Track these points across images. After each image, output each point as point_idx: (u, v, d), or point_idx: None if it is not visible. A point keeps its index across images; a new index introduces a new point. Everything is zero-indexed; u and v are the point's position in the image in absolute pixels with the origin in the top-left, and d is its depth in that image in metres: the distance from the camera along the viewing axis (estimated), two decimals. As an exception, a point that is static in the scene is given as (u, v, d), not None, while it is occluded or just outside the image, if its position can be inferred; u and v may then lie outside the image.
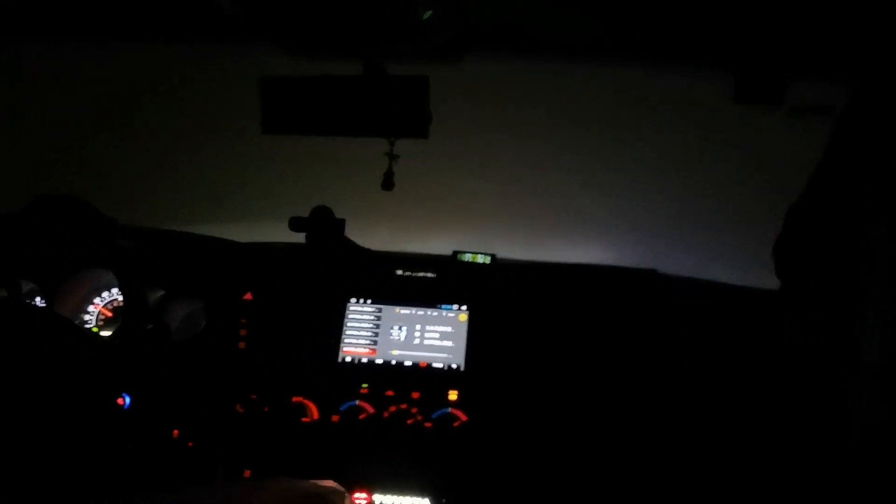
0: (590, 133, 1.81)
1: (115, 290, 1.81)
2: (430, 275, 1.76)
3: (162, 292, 1.73)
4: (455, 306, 1.66)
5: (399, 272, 1.77)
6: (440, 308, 1.66)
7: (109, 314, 1.82)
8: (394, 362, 1.61)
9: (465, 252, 1.81)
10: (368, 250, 1.82)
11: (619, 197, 2.14)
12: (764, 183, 1.69)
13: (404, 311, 1.66)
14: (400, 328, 1.64)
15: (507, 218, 2.26)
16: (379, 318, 1.65)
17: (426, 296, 1.68)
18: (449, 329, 1.63)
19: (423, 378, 1.60)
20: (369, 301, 1.67)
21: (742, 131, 1.65)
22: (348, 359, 1.62)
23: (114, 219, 1.66)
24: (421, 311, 1.65)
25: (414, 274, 1.76)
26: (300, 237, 1.66)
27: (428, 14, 1.28)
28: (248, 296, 1.69)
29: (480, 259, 1.81)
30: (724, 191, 1.89)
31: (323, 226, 1.65)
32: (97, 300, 1.83)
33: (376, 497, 1.51)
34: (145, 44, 1.55)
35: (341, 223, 1.65)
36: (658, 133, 1.77)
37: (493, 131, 1.86)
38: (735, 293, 1.79)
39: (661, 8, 1.21)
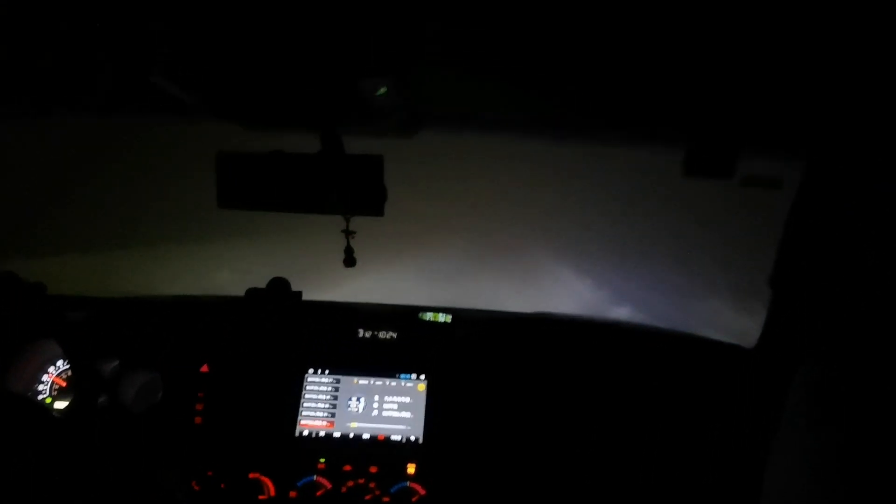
0: (546, 198, 1.84)
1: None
2: (391, 335, 1.76)
3: (116, 363, 1.70)
4: (413, 375, 1.66)
5: (360, 333, 1.76)
6: (399, 378, 1.65)
7: (63, 384, 1.79)
8: (352, 435, 1.60)
9: (426, 311, 1.81)
10: (331, 305, 1.82)
11: (580, 254, 2.17)
12: (712, 244, 1.73)
13: (363, 381, 1.65)
14: (358, 399, 1.63)
15: (469, 274, 2.28)
16: (337, 390, 1.64)
17: (385, 364, 1.68)
18: (407, 399, 1.63)
19: (382, 451, 1.59)
20: (327, 371, 1.66)
21: (691, 199, 1.69)
22: (306, 432, 1.60)
23: (42, 284, 1.63)
24: (379, 382, 1.65)
25: (376, 334, 1.76)
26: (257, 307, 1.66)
27: (382, 91, 1.30)
28: (205, 368, 1.67)
29: (442, 318, 1.81)
30: (676, 250, 1.93)
31: (280, 297, 1.64)
32: (51, 370, 1.80)
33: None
34: (103, 118, 1.54)
35: (298, 295, 1.65)
36: (610, 199, 1.80)
37: (452, 200, 1.88)
38: (693, 343, 1.82)
39: (613, 86, 1.23)
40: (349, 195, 1.40)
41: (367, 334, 1.77)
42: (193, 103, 1.31)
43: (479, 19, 0.94)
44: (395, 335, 1.77)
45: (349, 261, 1.47)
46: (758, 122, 1.37)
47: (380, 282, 2.15)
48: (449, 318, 1.80)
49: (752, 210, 1.66)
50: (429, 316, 1.81)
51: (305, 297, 1.75)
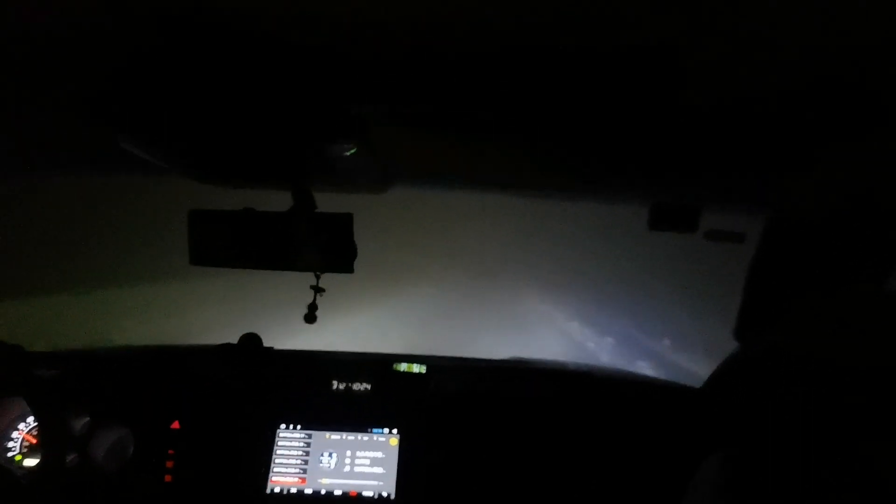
0: (517, 250, 1.86)
1: (37, 418, 1.76)
2: (365, 387, 1.76)
3: (87, 419, 1.69)
4: (386, 430, 1.65)
5: (334, 385, 1.76)
6: (371, 432, 1.65)
7: (34, 441, 1.76)
8: (323, 492, 1.59)
9: (401, 361, 1.81)
10: (305, 355, 1.82)
11: (554, 302, 2.19)
12: (677, 293, 1.75)
13: (335, 436, 1.64)
14: (330, 455, 1.62)
15: (443, 322, 2.29)
16: (309, 445, 1.63)
17: (358, 418, 1.67)
18: (380, 454, 1.62)
19: (354, 508, 1.57)
20: (299, 427, 1.65)
21: (656, 252, 1.71)
22: (277, 489, 1.59)
23: (19, 346, 1.63)
24: (352, 436, 1.64)
25: (349, 386, 1.76)
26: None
27: (352, 150, 1.32)
28: (176, 424, 1.66)
29: (416, 369, 1.81)
30: (646, 299, 1.94)
31: (252, 353, 1.64)
32: (21, 426, 1.78)
33: None
34: (75, 177, 1.56)
35: (269, 350, 1.65)
36: (579, 251, 1.82)
37: (425, 251, 1.89)
38: (662, 389, 1.82)
39: (578, 148, 1.26)
40: (319, 253, 1.41)
41: (341, 386, 1.77)
42: (164, 165, 1.33)
43: (444, 85, 0.97)
44: (368, 387, 1.77)
45: (310, 317, 1.47)
46: (720, 180, 1.40)
47: (355, 331, 2.16)
48: (423, 369, 1.80)
49: (720, 262, 1.68)
50: (403, 367, 1.81)
51: (280, 346, 1.74)
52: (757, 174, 1.23)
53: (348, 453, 1.63)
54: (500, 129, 1.12)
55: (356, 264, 1.45)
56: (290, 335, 1.74)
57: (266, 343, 1.73)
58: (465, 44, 0.82)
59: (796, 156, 1.09)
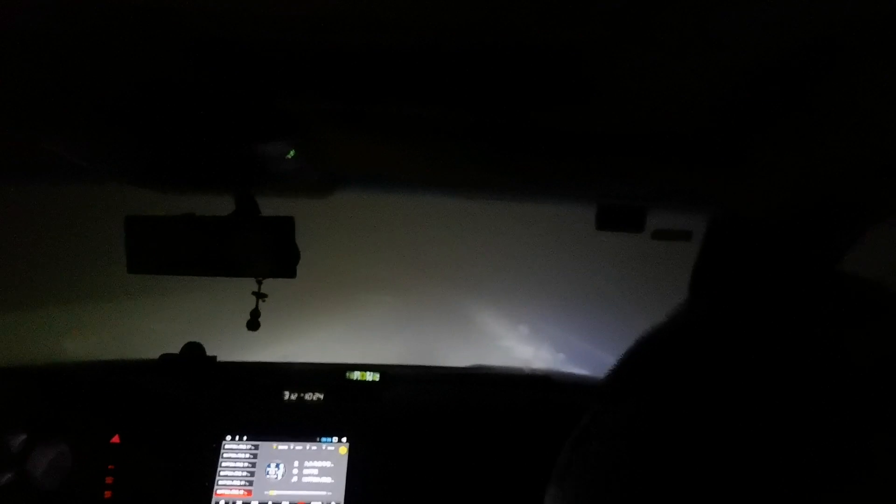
0: (471, 253, 1.85)
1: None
2: (317, 396, 1.73)
3: (24, 437, 1.63)
4: (335, 438, 1.62)
5: (286, 395, 1.73)
6: (320, 441, 1.62)
7: (-33, 460, 1.70)
8: (270, 503, 1.55)
9: (353, 370, 1.79)
10: (255, 366, 1.78)
11: (509, 306, 2.18)
12: (626, 295, 1.76)
13: (282, 446, 1.61)
14: (277, 466, 1.58)
15: (399, 330, 2.26)
16: (255, 456, 1.59)
17: (307, 428, 1.64)
18: (328, 464, 1.59)
19: (301, 520, 1.54)
20: (245, 438, 1.61)
21: (605, 252, 1.71)
22: (222, 502, 1.55)
23: None
24: (300, 446, 1.61)
25: (302, 396, 1.73)
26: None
27: (291, 154, 1.29)
28: (116, 438, 1.61)
29: (370, 377, 1.79)
30: (599, 299, 1.95)
31: (194, 363, 1.60)
32: (-46, 445, 1.71)
33: None
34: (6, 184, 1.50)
35: (213, 360, 1.61)
36: (530, 253, 1.82)
37: (376, 257, 1.88)
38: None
39: (520, 149, 1.25)
40: (260, 258, 1.38)
41: (293, 396, 1.73)
42: (94, 169, 1.29)
43: (374, 83, 0.95)
44: (321, 396, 1.73)
45: (253, 324, 1.44)
46: (662, 179, 1.40)
47: (309, 341, 2.13)
48: (377, 377, 1.78)
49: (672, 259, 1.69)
50: (356, 375, 1.78)
51: (229, 359, 1.71)
52: (696, 172, 1.23)
53: (296, 463, 1.59)
54: (438, 128, 1.11)
55: (307, 272, 1.43)
56: (242, 348, 1.70)
57: (219, 354, 1.70)
58: (393, 39, 0.80)
59: (731, 153, 1.09)
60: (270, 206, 1.38)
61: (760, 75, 0.81)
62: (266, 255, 1.37)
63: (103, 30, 0.82)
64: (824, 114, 0.88)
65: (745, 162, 1.10)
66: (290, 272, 1.38)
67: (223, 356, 1.66)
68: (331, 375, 1.77)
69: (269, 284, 1.45)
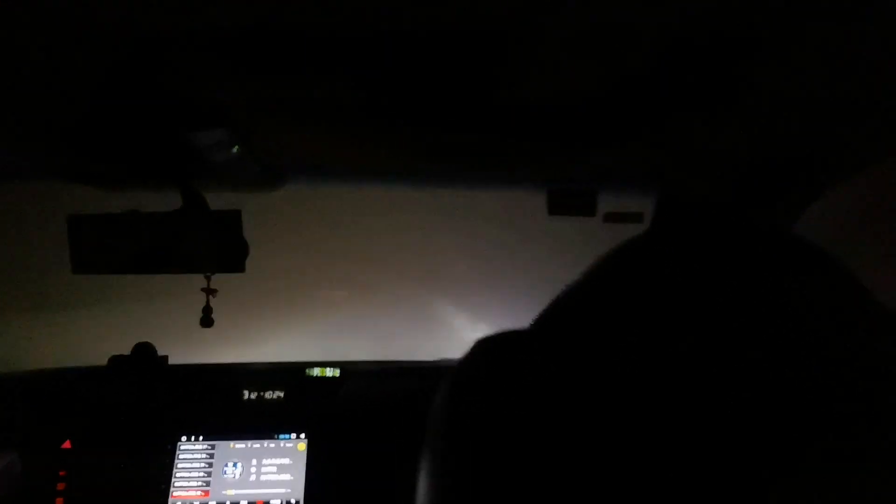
0: (426, 243, 1.84)
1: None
2: (278, 395, 1.71)
3: (-29, 446, 1.58)
4: (293, 435, 1.60)
5: (246, 395, 1.70)
6: (278, 438, 1.59)
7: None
8: (228, 503, 1.52)
9: (313, 367, 1.77)
10: (214, 367, 1.75)
11: (469, 297, 2.18)
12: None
13: (239, 445, 1.58)
14: (235, 465, 1.56)
15: (359, 325, 2.25)
16: (212, 457, 1.57)
17: (263, 425, 1.62)
18: (287, 461, 1.57)
19: (260, 518, 1.51)
20: (201, 438, 1.58)
21: (559, 237, 1.72)
22: (178, 504, 1.52)
23: None
24: (257, 444, 1.58)
25: (262, 395, 1.70)
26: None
27: (236, 149, 1.28)
28: (67, 444, 1.57)
29: (329, 373, 1.77)
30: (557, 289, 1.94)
31: (146, 364, 1.57)
32: None
33: None
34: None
35: (164, 360, 1.58)
36: (485, 240, 1.82)
37: (330, 251, 1.85)
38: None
39: (460, 133, 1.24)
40: (207, 253, 1.35)
41: (253, 395, 1.71)
42: (31, 166, 1.25)
43: (301, 67, 0.93)
44: (281, 394, 1.71)
45: (206, 321, 1.42)
46: (607, 160, 1.41)
47: (266, 340, 2.10)
48: (337, 373, 1.76)
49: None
50: (316, 371, 1.77)
51: (182, 359, 1.68)
52: (639, 152, 1.24)
53: (254, 462, 1.57)
54: (375, 114, 1.09)
55: (259, 269, 1.41)
56: (195, 347, 1.67)
57: (171, 353, 1.67)
58: (323, 20, 0.79)
59: (664, 131, 1.10)
60: (218, 201, 1.36)
61: (684, 48, 0.81)
62: (213, 250, 1.35)
63: (22, 23, 0.79)
64: (752, 89, 0.88)
65: (682, 139, 1.10)
66: (238, 266, 1.36)
67: (176, 356, 1.63)
68: (290, 373, 1.75)
69: (221, 284, 1.43)
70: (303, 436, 1.60)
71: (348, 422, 1.66)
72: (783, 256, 0.45)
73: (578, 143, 1.27)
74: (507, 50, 0.85)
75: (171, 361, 1.65)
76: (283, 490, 1.54)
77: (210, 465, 1.56)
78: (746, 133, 1.07)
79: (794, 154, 1.07)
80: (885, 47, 0.76)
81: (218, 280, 1.41)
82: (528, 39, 0.80)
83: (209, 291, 1.41)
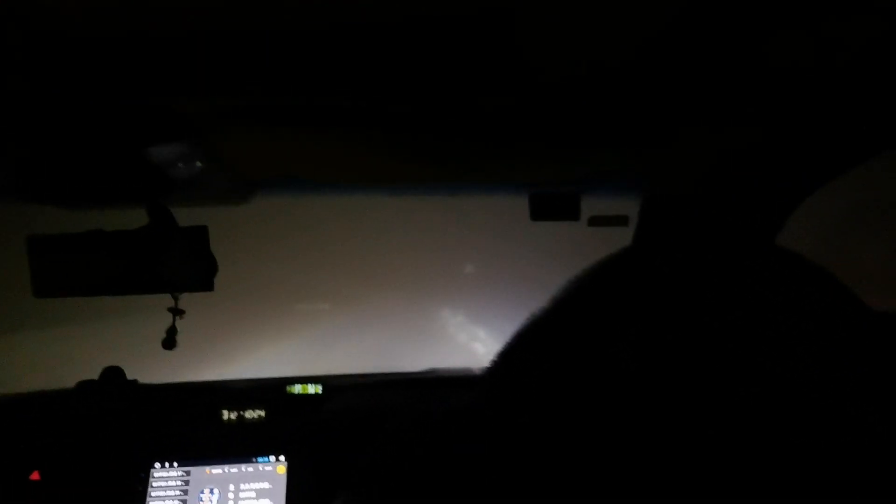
0: (405, 251, 1.79)
1: None
2: (258, 414, 1.64)
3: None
4: (272, 458, 1.53)
5: (225, 415, 1.63)
6: (256, 462, 1.53)
7: None
8: (205, 532, 1.46)
9: (294, 383, 1.71)
10: (190, 386, 1.69)
11: (454, 304, 2.13)
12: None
13: (216, 470, 1.51)
14: (212, 491, 1.49)
15: (342, 338, 2.19)
16: (187, 483, 1.50)
17: (241, 448, 1.55)
18: (266, 485, 1.50)
19: (238, 548, 1.45)
20: (175, 464, 1.51)
21: (543, 242, 1.67)
22: (153, 535, 1.45)
23: None
24: (234, 469, 1.51)
25: (242, 415, 1.64)
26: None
27: (200, 164, 1.22)
28: (36, 475, 1.50)
29: (311, 389, 1.71)
30: (544, 295, 1.89)
31: (115, 388, 1.50)
32: None
33: None
34: None
35: (134, 384, 1.52)
36: (467, 247, 1.77)
37: (308, 264, 1.80)
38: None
39: (437, 137, 1.19)
40: (174, 271, 1.30)
41: (233, 416, 1.64)
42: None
43: (268, 72, 0.87)
44: (263, 413, 1.65)
45: (169, 342, 1.35)
46: (593, 163, 1.37)
47: (246, 357, 2.04)
48: (319, 389, 1.70)
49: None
50: (297, 388, 1.71)
51: (159, 377, 1.61)
52: (622, 154, 1.20)
53: (231, 487, 1.50)
54: (348, 120, 1.04)
55: (233, 285, 1.35)
56: (168, 369, 1.61)
57: (142, 377, 1.60)
58: (290, 23, 0.73)
59: (654, 134, 1.06)
60: (185, 217, 1.30)
61: (671, 49, 0.78)
62: (180, 269, 1.30)
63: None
64: (737, 91, 0.85)
65: (668, 141, 1.07)
66: (206, 285, 1.31)
67: (147, 379, 1.57)
68: (270, 390, 1.69)
69: (195, 300, 1.37)
70: (282, 458, 1.54)
71: (330, 442, 1.59)
72: (766, 268, 0.43)
73: (562, 147, 1.23)
74: (489, 52, 0.81)
75: (142, 382, 1.59)
76: (262, 516, 1.47)
77: (185, 492, 1.48)
78: (733, 135, 1.03)
79: (781, 156, 1.04)
80: (873, 46, 0.73)
81: (193, 296, 1.36)
82: (509, 42, 0.76)
83: (176, 312, 1.35)
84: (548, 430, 0.40)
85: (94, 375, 1.52)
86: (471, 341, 2.23)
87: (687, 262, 0.44)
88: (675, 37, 0.75)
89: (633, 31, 0.74)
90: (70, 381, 1.51)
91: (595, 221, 1.52)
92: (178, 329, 1.35)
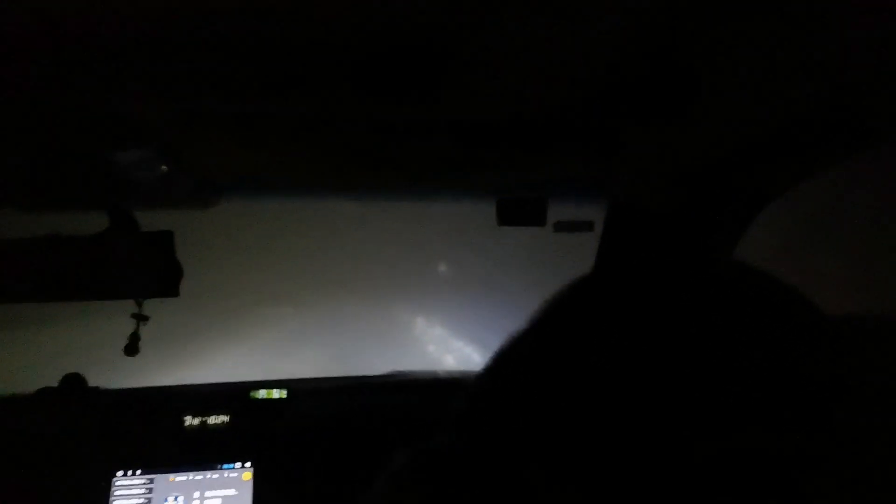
0: (370, 256, 1.79)
1: None
2: (222, 419, 1.62)
3: None
4: (238, 464, 1.52)
5: (187, 421, 1.61)
6: (221, 468, 1.51)
7: None
8: (169, 541, 1.44)
9: (258, 388, 1.69)
10: (153, 391, 1.67)
11: (420, 308, 2.13)
12: (534, 289, 1.73)
13: (180, 478, 1.49)
14: (176, 499, 1.47)
15: (307, 342, 2.18)
16: (151, 491, 1.47)
17: (209, 454, 1.53)
18: (232, 492, 1.49)
19: (203, 556, 1.43)
20: (139, 472, 1.49)
21: (509, 246, 1.68)
22: (115, 545, 1.43)
23: None
24: (199, 476, 1.50)
25: (205, 420, 1.62)
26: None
27: (164, 168, 1.21)
28: (-7, 485, 1.47)
29: (276, 394, 1.70)
30: (507, 297, 1.91)
31: (76, 396, 1.47)
32: None
33: None
34: None
35: (95, 391, 1.49)
36: (428, 251, 1.77)
37: (270, 269, 1.78)
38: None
39: (399, 145, 1.20)
40: (138, 277, 1.28)
41: (196, 421, 1.62)
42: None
43: (231, 79, 0.87)
44: (226, 419, 1.63)
45: (131, 349, 1.33)
46: (562, 172, 1.38)
47: (209, 362, 2.02)
48: (284, 394, 1.69)
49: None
50: (262, 393, 1.69)
51: (121, 384, 1.58)
52: (584, 161, 1.21)
53: (196, 494, 1.48)
54: (313, 127, 1.04)
55: (196, 289, 1.33)
56: (130, 376, 1.58)
57: (104, 384, 1.58)
58: (253, 32, 0.73)
59: (612, 141, 1.08)
60: (148, 221, 1.29)
61: (628, 59, 0.79)
62: (144, 274, 1.28)
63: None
64: (694, 101, 0.87)
65: (629, 150, 1.09)
66: (172, 291, 1.29)
67: (108, 384, 1.54)
68: (234, 395, 1.67)
69: (157, 304, 1.35)
70: (248, 464, 1.52)
71: (296, 446, 1.59)
72: (718, 286, 0.45)
73: (528, 155, 1.24)
74: (454, 63, 0.81)
75: (103, 388, 1.56)
76: (228, 524, 1.46)
77: (149, 500, 1.46)
78: (694, 142, 1.05)
79: (743, 162, 1.06)
80: (828, 56, 0.75)
81: (155, 300, 1.34)
82: (475, 53, 0.77)
83: (140, 318, 1.33)
84: (537, 433, 0.41)
85: (54, 380, 1.49)
86: (434, 344, 2.23)
87: (649, 284, 0.45)
88: (638, 50, 0.77)
89: (596, 48, 0.75)
90: (29, 387, 1.48)
91: (561, 227, 1.54)
92: (141, 335, 1.33)
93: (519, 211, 1.47)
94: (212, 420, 1.62)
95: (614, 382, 0.39)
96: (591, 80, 0.87)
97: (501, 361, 0.49)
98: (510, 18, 0.67)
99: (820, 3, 0.64)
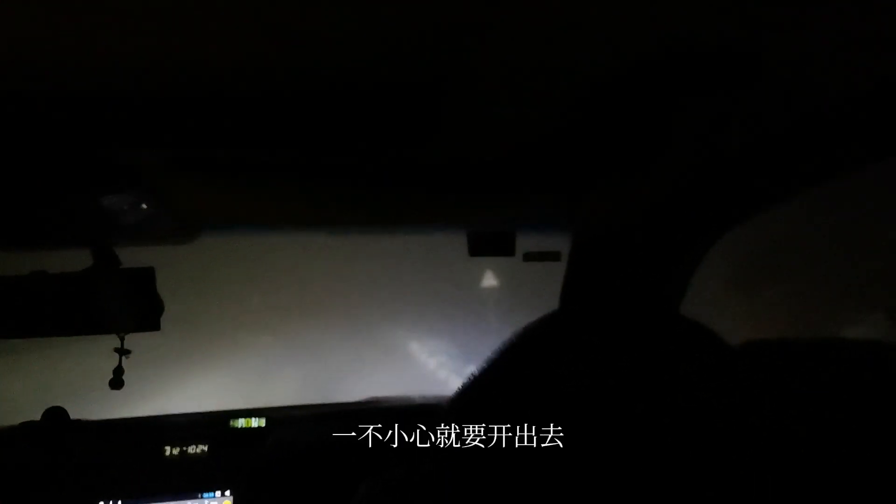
0: (344, 287, 1.83)
1: None
2: (201, 448, 1.65)
3: None
4: (217, 493, 1.55)
5: (167, 450, 1.64)
6: (201, 497, 1.54)
7: None
8: (150, 571, 1.47)
9: (237, 417, 1.72)
10: (132, 422, 1.69)
11: (395, 337, 2.17)
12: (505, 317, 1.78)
13: (161, 507, 1.53)
14: (156, 528, 1.50)
15: (284, 371, 2.21)
16: (132, 521, 1.51)
17: (189, 484, 1.56)
18: (212, 521, 1.52)
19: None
20: (119, 502, 1.52)
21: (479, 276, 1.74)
22: (96, 576, 1.45)
23: None
24: (179, 505, 1.53)
25: (184, 450, 1.64)
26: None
27: (145, 208, 1.25)
28: (-24, 518, 1.49)
29: (255, 423, 1.73)
30: (480, 324, 1.97)
31: (58, 429, 1.50)
32: None
33: None
34: None
35: (77, 424, 1.52)
36: (402, 281, 1.82)
37: (248, 300, 1.82)
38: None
39: (375, 184, 1.24)
40: (120, 312, 1.31)
41: (175, 451, 1.64)
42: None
43: (215, 127, 0.92)
44: (206, 448, 1.66)
45: (116, 382, 1.37)
46: (530, 204, 1.43)
47: (189, 392, 2.04)
48: (263, 422, 1.72)
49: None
50: (241, 422, 1.72)
51: (102, 416, 1.61)
52: (552, 200, 1.27)
53: (176, 524, 1.51)
54: (288, 170, 1.09)
55: (176, 321, 1.37)
56: (111, 409, 1.61)
57: (86, 416, 1.60)
58: (232, 85, 0.78)
59: (577, 182, 1.13)
60: (129, 257, 1.32)
61: (588, 103, 0.84)
62: (126, 309, 1.31)
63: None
64: (654, 138, 0.92)
65: (591, 185, 1.14)
66: (153, 325, 1.32)
67: (88, 415, 1.57)
68: (213, 425, 1.70)
69: (138, 336, 1.39)
70: (228, 493, 1.56)
71: (276, 475, 1.62)
72: (660, 333, 0.52)
73: (498, 194, 1.29)
74: (425, 107, 0.86)
75: (84, 420, 1.58)
76: (208, 553, 1.49)
77: (130, 530, 1.49)
78: (659, 178, 1.10)
79: (706, 196, 1.12)
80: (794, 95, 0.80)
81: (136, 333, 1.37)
82: (446, 96, 0.82)
83: (122, 352, 1.36)
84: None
85: (36, 412, 1.51)
86: (410, 371, 2.27)
87: (603, 327, 0.52)
88: (607, 89, 0.82)
89: (566, 88, 0.81)
90: (10, 420, 1.50)
91: (530, 257, 1.59)
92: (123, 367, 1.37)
93: (489, 242, 1.52)
94: (191, 449, 1.65)
95: (577, 406, 0.44)
96: (560, 127, 0.92)
97: (474, 391, 0.54)
98: (488, 67, 0.72)
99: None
